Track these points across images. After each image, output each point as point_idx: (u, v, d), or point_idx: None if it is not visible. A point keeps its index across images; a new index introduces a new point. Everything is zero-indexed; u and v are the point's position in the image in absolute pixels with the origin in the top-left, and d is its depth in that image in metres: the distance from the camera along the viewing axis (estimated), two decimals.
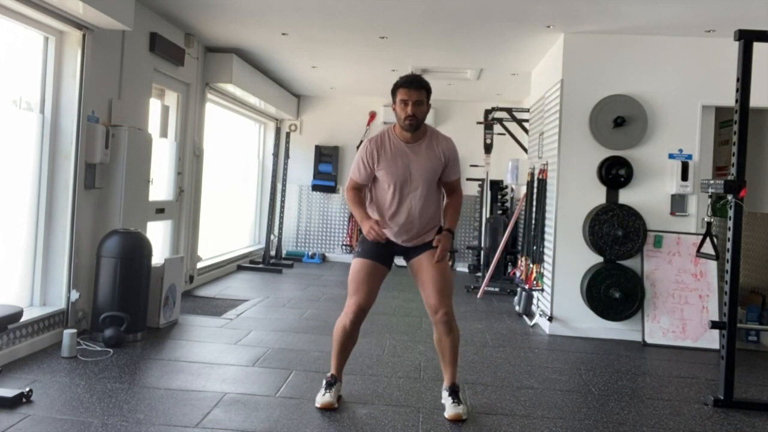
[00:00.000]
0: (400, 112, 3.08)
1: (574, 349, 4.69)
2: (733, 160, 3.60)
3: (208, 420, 2.97)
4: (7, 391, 3.02)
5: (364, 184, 3.22)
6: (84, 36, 4.18)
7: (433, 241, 3.17)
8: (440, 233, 3.17)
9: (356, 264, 3.19)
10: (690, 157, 5.10)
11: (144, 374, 3.63)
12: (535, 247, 5.71)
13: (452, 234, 3.19)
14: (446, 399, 3.20)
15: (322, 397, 3.18)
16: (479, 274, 7.70)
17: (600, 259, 5.09)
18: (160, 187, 5.69)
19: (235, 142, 8.52)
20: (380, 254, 3.19)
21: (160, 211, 5.59)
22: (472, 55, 6.29)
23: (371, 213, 3.21)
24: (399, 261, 3.30)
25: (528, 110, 6.92)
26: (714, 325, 3.68)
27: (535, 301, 5.66)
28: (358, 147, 9.03)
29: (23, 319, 3.35)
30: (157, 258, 4.75)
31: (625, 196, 5.13)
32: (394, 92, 3.13)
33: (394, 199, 3.13)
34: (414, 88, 3.07)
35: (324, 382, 3.27)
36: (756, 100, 3.78)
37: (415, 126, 3.09)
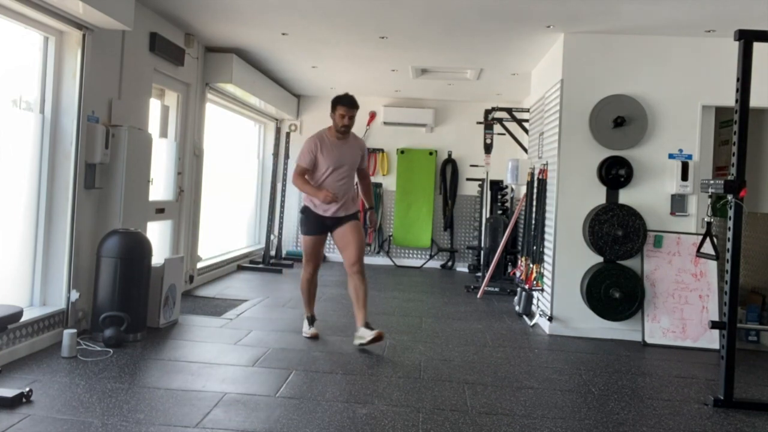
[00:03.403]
0: (338, 121, 4.37)
1: (574, 349, 4.69)
2: (733, 160, 3.60)
3: (208, 420, 2.97)
4: (7, 391, 3.02)
5: (309, 169, 4.41)
6: (84, 36, 4.18)
7: (352, 214, 4.45)
8: (368, 211, 4.65)
9: (306, 240, 4.55)
10: (690, 157, 5.10)
11: (144, 374, 3.63)
12: (535, 247, 5.71)
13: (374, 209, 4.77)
14: (364, 331, 4.28)
15: (310, 330, 4.59)
16: (479, 274, 7.70)
17: (600, 259, 5.09)
18: (160, 187, 5.69)
19: (235, 142, 8.52)
20: (318, 229, 4.50)
21: (160, 211, 5.59)
22: (472, 55, 6.29)
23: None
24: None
25: (528, 110, 6.92)
26: (714, 325, 3.68)
27: (535, 301, 5.66)
28: None
29: (23, 319, 3.34)
30: (157, 258, 4.74)
31: (625, 196, 5.13)
32: (334, 106, 4.38)
33: (327, 178, 4.38)
34: (352, 107, 4.37)
35: (306, 319, 4.66)
36: (756, 100, 3.78)
37: (346, 132, 4.45)
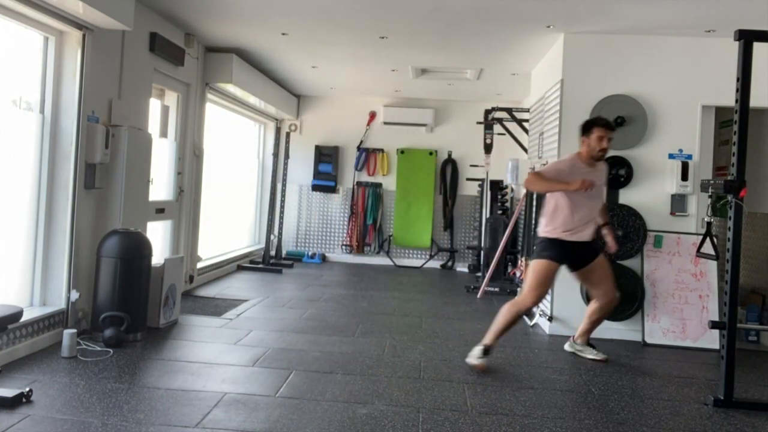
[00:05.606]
0: (596, 145, 4.03)
1: None
2: (733, 160, 3.60)
3: (208, 420, 2.97)
4: (7, 391, 3.03)
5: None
6: (84, 36, 4.18)
7: (595, 245, 4.22)
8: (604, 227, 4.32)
9: (546, 265, 4.06)
10: (690, 157, 5.10)
11: (144, 374, 3.63)
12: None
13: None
14: (589, 350, 4.47)
15: (480, 359, 3.98)
16: (479, 274, 7.70)
17: None
18: (160, 187, 5.69)
19: (235, 142, 8.52)
20: (568, 258, 4.14)
21: (160, 211, 5.59)
22: (472, 55, 6.29)
23: (555, 220, 4.13)
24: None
25: (528, 110, 6.92)
26: (714, 325, 3.68)
27: None
28: (358, 147, 9.14)
29: (23, 319, 3.35)
30: (157, 258, 4.74)
31: (625, 196, 5.13)
32: (590, 128, 4.06)
33: (582, 203, 4.04)
34: (611, 129, 4.06)
35: (482, 349, 4.02)
36: (756, 100, 3.78)
37: (603, 158, 4.12)
